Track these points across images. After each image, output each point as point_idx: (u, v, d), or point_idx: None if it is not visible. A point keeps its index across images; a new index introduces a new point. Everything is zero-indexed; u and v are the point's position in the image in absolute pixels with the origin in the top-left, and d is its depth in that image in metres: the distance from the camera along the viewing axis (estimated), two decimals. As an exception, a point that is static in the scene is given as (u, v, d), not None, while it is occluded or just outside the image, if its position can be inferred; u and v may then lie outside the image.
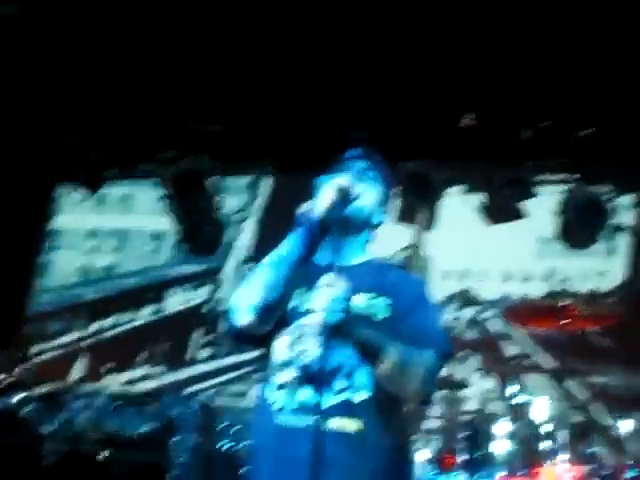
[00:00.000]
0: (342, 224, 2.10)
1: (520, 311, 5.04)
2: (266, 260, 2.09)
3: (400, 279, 2.21)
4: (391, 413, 2.08)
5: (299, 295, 2.13)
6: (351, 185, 2.09)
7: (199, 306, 7.05)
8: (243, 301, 2.06)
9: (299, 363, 2.08)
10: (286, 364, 2.10)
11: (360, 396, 2.05)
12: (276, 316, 2.08)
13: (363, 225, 2.24)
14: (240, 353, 6.59)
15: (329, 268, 2.04)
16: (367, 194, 2.22)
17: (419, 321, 2.12)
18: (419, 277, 2.45)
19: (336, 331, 1.95)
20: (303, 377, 2.06)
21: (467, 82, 4.84)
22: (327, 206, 2.04)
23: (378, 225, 2.29)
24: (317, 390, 1.97)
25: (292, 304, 2.13)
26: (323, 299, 1.95)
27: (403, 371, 2.02)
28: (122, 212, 7.36)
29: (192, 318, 7.10)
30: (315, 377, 1.98)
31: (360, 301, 2.10)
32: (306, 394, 2.05)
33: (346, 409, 2.03)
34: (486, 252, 6.31)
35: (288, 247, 2.06)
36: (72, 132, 5.45)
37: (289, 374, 2.09)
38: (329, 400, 2.03)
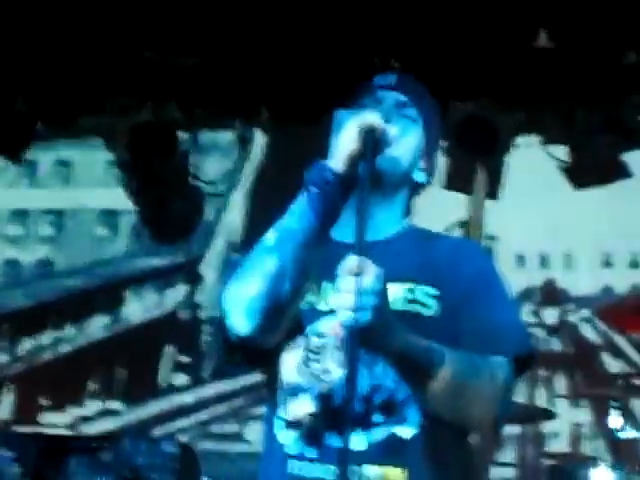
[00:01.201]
0: (372, 182, 2.01)
1: (627, 311, 5.04)
2: (266, 239, 2.04)
3: (451, 253, 2.19)
4: (449, 455, 2.08)
5: (317, 288, 2.12)
6: (383, 125, 2.02)
7: (171, 313, 7.11)
8: (238, 301, 2.03)
9: (317, 389, 2.07)
10: (300, 390, 2.09)
11: (406, 431, 2.04)
12: (287, 319, 2.06)
13: (399, 184, 2.22)
14: (232, 377, 6.65)
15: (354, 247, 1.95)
16: (405, 139, 2.20)
17: (482, 312, 2.10)
18: (478, 246, 2.43)
19: (366, 339, 1.87)
20: (324, 408, 2.05)
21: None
22: (350, 155, 1.98)
23: (420, 185, 2.28)
24: (344, 427, 1.92)
25: (307, 301, 2.11)
26: (345, 293, 1.86)
27: (463, 390, 1.99)
28: (58, 185, 7.43)
29: (162, 330, 7.17)
30: (340, 408, 1.95)
31: (395, 293, 2.08)
32: (329, 433, 2.04)
33: (386, 452, 2.02)
34: (576, 228, 6.31)
35: (295, 218, 2.01)
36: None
37: (304, 404, 2.08)
38: (361, 440, 2.03)
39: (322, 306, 2.11)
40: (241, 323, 2.02)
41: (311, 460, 2.04)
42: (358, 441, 2.02)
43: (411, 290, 2.11)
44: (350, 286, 1.83)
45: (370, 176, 1.95)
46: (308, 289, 2.09)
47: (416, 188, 2.28)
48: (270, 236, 2.03)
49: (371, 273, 1.85)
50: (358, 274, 1.83)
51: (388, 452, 2.02)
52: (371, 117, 2.00)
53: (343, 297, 1.84)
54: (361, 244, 1.87)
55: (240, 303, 2.02)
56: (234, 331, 2.04)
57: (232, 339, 2.07)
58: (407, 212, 2.28)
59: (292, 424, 2.09)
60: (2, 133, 5.40)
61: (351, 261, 1.85)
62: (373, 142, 1.98)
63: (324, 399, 2.05)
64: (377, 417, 2.04)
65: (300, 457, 2.06)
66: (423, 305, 2.10)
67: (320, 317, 2.10)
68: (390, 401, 2.05)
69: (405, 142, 2.20)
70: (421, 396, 2.02)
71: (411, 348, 1.95)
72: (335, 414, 2.02)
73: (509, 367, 2.06)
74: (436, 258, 2.17)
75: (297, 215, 2.00)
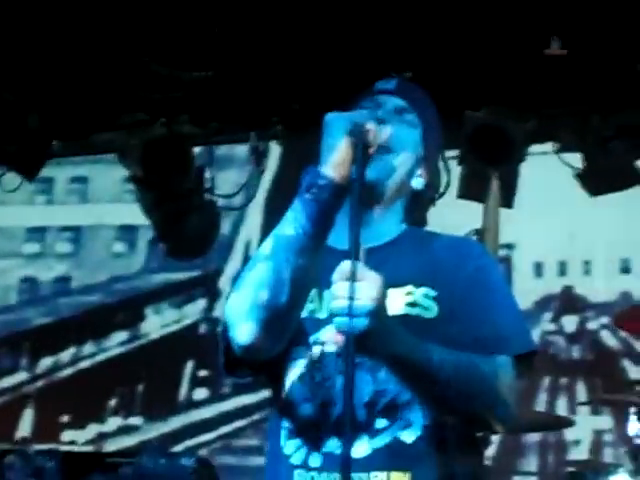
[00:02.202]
0: (367, 187, 2.01)
1: (645, 316, 5.00)
2: (262, 247, 2.03)
3: (450, 253, 2.17)
4: (454, 458, 2.06)
5: (318, 296, 2.11)
6: (378, 129, 2.00)
7: (191, 328, 7.10)
8: (237, 311, 2.02)
9: (319, 397, 2.05)
10: (303, 399, 2.08)
11: (409, 435, 2.03)
12: (287, 328, 2.04)
13: (397, 189, 2.20)
14: (252, 391, 6.64)
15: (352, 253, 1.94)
16: (403, 144, 2.18)
17: (481, 311, 2.08)
18: (476, 244, 2.41)
19: (364, 345, 1.86)
20: (327, 417, 2.03)
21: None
22: (341, 159, 1.96)
23: (418, 193, 2.25)
24: (346, 434, 1.93)
25: (309, 310, 2.11)
26: (340, 299, 1.85)
27: (466, 392, 1.97)
28: (75, 201, 7.44)
29: (182, 345, 7.16)
30: (343, 416, 1.88)
31: (395, 297, 2.07)
32: (331, 441, 2.03)
33: (390, 457, 2.01)
34: (592, 234, 6.29)
35: (290, 225, 1.99)
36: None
37: (308, 413, 2.07)
38: (366, 447, 2.01)
39: (323, 314, 2.10)
40: (241, 333, 2.01)
41: (315, 469, 2.03)
42: (362, 448, 2.01)
43: (411, 293, 2.10)
44: (344, 292, 1.82)
45: (363, 179, 1.93)
46: (308, 297, 2.07)
47: (415, 196, 2.26)
48: (266, 244, 2.01)
49: (367, 278, 1.85)
50: (353, 279, 1.82)
51: (392, 457, 2.01)
52: (362, 119, 1.98)
53: (337, 303, 1.84)
54: (356, 249, 1.86)
55: (239, 313, 2.01)
56: (236, 341, 2.03)
57: (234, 349, 2.06)
58: (405, 218, 2.26)
59: (296, 433, 2.08)
60: (17, 151, 5.42)
61: (345, 266, 1.84)
62: (364, 144, 1.95)
63: (327, 407, 2.04)
64: (381, 422, 2.03)
65: (305, 466, 2.05)
66: (424, 308, 2.09)
67: (322, 326, 2.09)
68: (393, 405, 2.04)
69: (402, 146, 2.18)
70: (424, 400, 2.01)
71: (410, 352, 1.93)
72: (338, 422, 1.99)
73: (512, 366, 2.04)
74: (434, 258, 2.16)
75: (291, 222, 1.98)
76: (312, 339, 2.09)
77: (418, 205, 2.29)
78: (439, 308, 2.09)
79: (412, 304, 2.09)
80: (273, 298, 1.97)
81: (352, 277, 1.83)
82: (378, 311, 1.85)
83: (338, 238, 2.01)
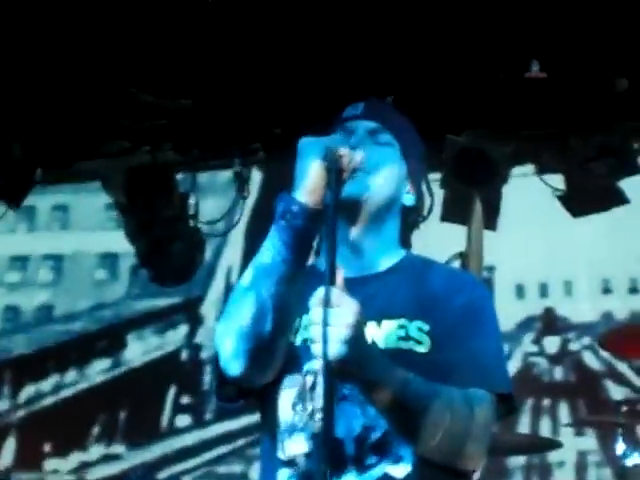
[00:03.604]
0: (343, 207, 2.00)
1: (627, 337, 5.01)
2: (243, 278, 2.02)
3: (444, 286, 2.16)
4: None
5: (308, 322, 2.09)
6: (347, 152, 1.98)
7: (174, 354, 7.07)
8: (224, 343, 2.01)
9: (310, 428, 2.03)
10: (295, 429, 2.06)
11: (399, 471, 2.00)
12: (275, 357, 2.03)
13: (385, 211, 2.19)
14: (235, 417, 6.61)
15: (347, 280, 1.92)
16: (382, 165, 2.17)
17: (465, 344, 2.07)
18: (472, 278, 2.42)
19: (342, 373, 1.84)
20: (317, 448, 1.98)
21: (532, 14, 4.84)
22: (314, 185, 1.94)
23: (412, 210, 2.25)
24: (337, 468, 1.91)
25: (302, 336, 2.09)
26: (315, 325, 1.83)
27: (442, 424, 1.94)
28: (57, 229, 7.41)
29: (164, 372, 7.13)
30: (333, 449, 1.87)
31: (388, 329, 2.07)
32: (322, 475, 1.98)
33: None
34: (573, 255, 6.30)
35: (268, 254, 1.98)
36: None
37: (299, 444, 2.04)
38: (355, 484, 1.98)
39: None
40: (230, 365, 2.01)
41: None
42: None
43: (403, 326, 2.08)
44: (319, 318, 1.81)
45: (337, 203, 1.92)
46: (293, 323, 2.06)
47: (408, 213, 2.25)
48: (246, 274, 2.01)
49: (343, 304, 1.84)
50: (328, 306, 1.81)
51: None
52: (334, 144, 1.97)
53: (313, 329, 1.83)
54: (331, 274, 1.85)
55: (226, 345, 2.00)
56: (226, 372, 2.03)
57: (226, 378, 2.06)
58: (403, 240, 2.26)
59: (288, 464, 2.05)
60: (1, 180, 5.40)
61: (320, 292, 1.84)
62: (337, 170, 1.94)
63: (317, 439, 1.99)
64: (371, 458, 2.00)
65: None
66: (416, 342, 2.07)
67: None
68: (384, 441, 2.00)
69: (382, 168, 2.17)
70: (398, 432, 1.98)
71: (385, 380, 1.91)
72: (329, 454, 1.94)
73: (490, 402, 2.02)
74: (429, 291, 2.14)
75: (269, 250, 1.98)
76: (305, 368, 2.08)
77: (408, 226, 2.28)
78: (431, 342, 2.07)
79: (405, 338, 2.07)
80: (257, 328, 1.96)
81: (326, 303, 1.81)
82: (354, 337, 1.83)
83: (343, 266, 1.96)
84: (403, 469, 2.00)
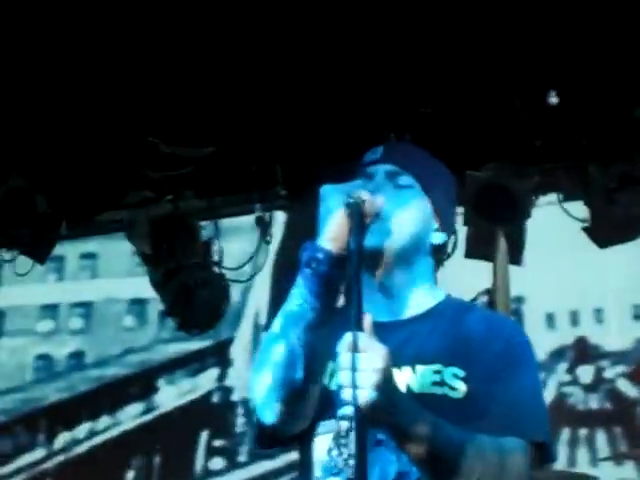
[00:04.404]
0: (367, 260, 2.01)
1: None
2: (272, 327, 2.03)
3: (481, 331, 2.14)
4: None
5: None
6: (370, 197, 2.00)
7: (205, 397, 7.09)
8: (257, 393, 2.04)
9: (345, 474, 1.98)
10: (331, 474, 2.03)
11: None
12: (308, 404, 2.04)
13: (413, 253, 2.19)
14: (269, 459, 6.61)
15: (380, 325, 1.93)
16: (402, 208, 2.17)
17: (502, 390, 2.05)
18: (510, 323, 2.39)
19: (372, 419, 1.84)
20: None
21: (550, 42, 4.83)
22: (338, 233, 1.97)
23: (441, 247, 2.24)
24: None
25: (338, 383, 2.03)
26: (344, 371, 1.84)
27: (472, 473, 1.92)
28: (86, 277, 7.47)
29: (196, 415, 7.15)
30: None
31: (422, 375, 2.06)
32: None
33: None
34: (603, 282, 6.28)
35: (295, 301, 2.00)
36: (6, 175, 5.53)
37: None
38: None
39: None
40: (264, 413, 2.03)
41: None
42: None
43: (438, 372, 2.07)
44: (347, 363, 1.82)
45: (361, 250, 1.92)
46: (324, 369, 2.06)
47: (438, 251, 2.24)
48: (276, 323, 2.02)
49: (370, 349, 1.83)
50: (356, 351, 1.81)
51: None
52: (356, 190, 1.98)
53: (342, 375, 1.83)
54: (358, 319, 1.85)
55: (259, 395, 2.03)
56: (262, 421, 2.05)
57: (263, 426, 2.07)
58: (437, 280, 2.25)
59: None
60: (28, 235, 5.44)
61: (347, 338, 1.83)
62: (360, 216, 1.95)
63: None
64: None
65: None
66: (450, 388, 2.06)
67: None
68: None
69: (402, 211, 2.16)
70: (428, 479, 1.96)
71: (416, 427, 1.90)
72: None
73: (524, 450, 2.00)
74: (466, 335, 2.13)
75: (296, 298, 1.99)
76: (340, 413, 2.04)
77: (443, 261, 2.28)
78: (467, 388, 2.06)
79: (440, 383, 2.07)
80: (289, 376, 1.98)
81: (354, 348, 1.81)
82: (382, 382, 1.83)
83: (376, 310, 2.00)
84: None
